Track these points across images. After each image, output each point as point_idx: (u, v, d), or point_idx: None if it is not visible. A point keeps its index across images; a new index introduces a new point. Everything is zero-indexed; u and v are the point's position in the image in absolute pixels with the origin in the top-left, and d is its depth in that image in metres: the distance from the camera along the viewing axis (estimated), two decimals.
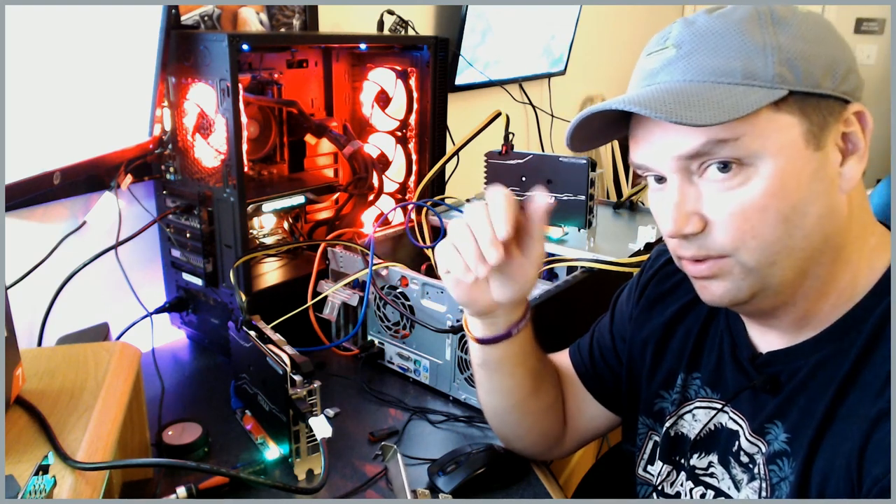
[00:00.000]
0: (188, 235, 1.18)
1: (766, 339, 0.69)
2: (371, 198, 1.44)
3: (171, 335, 1.30)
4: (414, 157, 1.45)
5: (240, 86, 1.05)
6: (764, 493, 0.65)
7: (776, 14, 0.59)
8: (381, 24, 1.66)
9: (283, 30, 1.46)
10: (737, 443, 0.69)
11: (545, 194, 0.73)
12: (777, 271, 0.60)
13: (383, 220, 1.35)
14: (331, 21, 1.58)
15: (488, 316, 0.79)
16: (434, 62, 1.37)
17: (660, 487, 0.77)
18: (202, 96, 1.09)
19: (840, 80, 0.58)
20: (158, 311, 1.22)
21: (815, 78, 0.57)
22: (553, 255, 1.23)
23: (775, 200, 0.58)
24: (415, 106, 1.42)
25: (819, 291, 0.63)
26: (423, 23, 1.89)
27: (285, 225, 1.38)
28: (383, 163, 1.47)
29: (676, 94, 0.57)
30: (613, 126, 0.66)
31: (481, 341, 0.81)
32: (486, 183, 1.32)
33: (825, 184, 0.59)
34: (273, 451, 0.92)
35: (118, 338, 1.15)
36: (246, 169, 1.14)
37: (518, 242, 0.73)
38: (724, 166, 0.58)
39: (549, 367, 0.89)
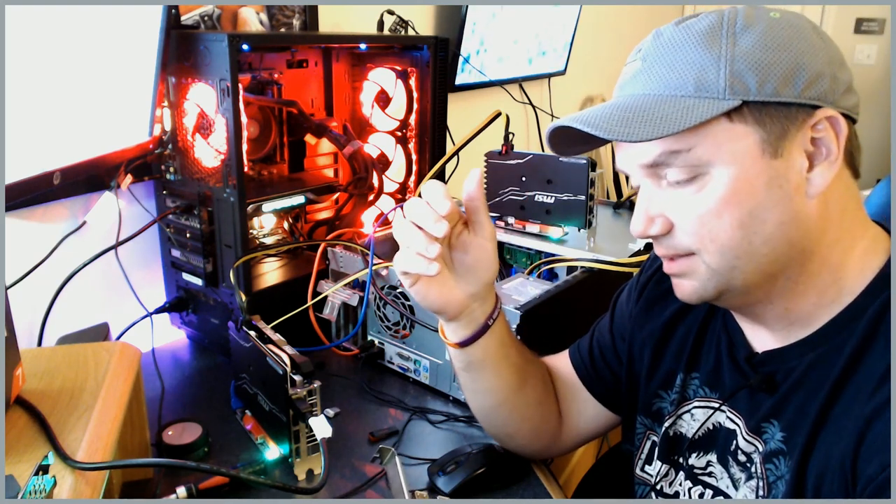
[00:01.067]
0: (188, 235, 1.18)
1: (760, 338, 0.70)
2: (371, 198, 1.44)
3: (171, 335, 1.30)
4: (414, 157, 1.46)
5: (240, 86, 1.05)
6: (761, 492, 0.66)
7: (742, 21, 0.60)
8: (381, 24, 1.67)
9: (283, 30, 1.46)
10: (734, 442, 0.70)
11: (476, 172, 0.75)
12: (739, 274, 0.62)
13: (383, 220, 1.35)
14: (331, 21, 1.58)
15: (463, 315, 0.80)
16: (434, 62, 1.37)
17: (658, 487, 0.77)
18: (202, 96, 1.09)
19: (805, 86, 0.58)
20: (158, 311, 1.22)
21: (771, 87, 0.58)
22: (553, 255, 1.23)
23: (730, 207, 0.60)
24: (415, 106, 1.42)
25: (794, 292, 0.64)
26: (423, 23, 1.89)
27: (285, 225, 1.38)
28: (383, 163, 1.47)
29: (625, 110, 0.60)
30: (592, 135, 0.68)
31: (461, 344, 0.82)
32: (486, 183, 1.32)
33: (785, 190, 0.60)
34: (273, 451, 0.92)
35: (118, 338, 1.15)
36: (246, 169, 1.14)
37: (467, 226, 0.77)
38: (680, 174, 0.61)
39: (533, 362, 0.89)
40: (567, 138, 0.67)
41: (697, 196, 0.61)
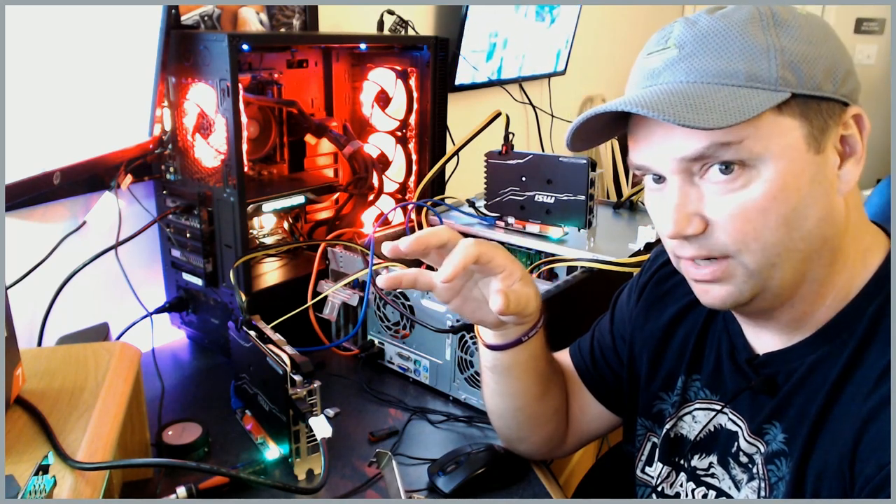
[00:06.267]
0: (188, 235, 1.18)
1: (762, 340, 0.69)
2: (371, 198, 1.44)
3: (171, 335, 1.30)
4: (414, 157, 1.45)
5: (240, 86, 1.05)
6: (763, 493, 0.65)
7: (777, 16, 0.59)
8: (381, 24, 1.66)
9: (283, 30, 1.46)
10: (736, 443, 0.70)
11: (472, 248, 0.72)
12: (777, 273, 0.60)
13: (383, 220, 1.35)
14: (331, 21, 1.58)
15: (499, 328, 0.79)
16: (434, 62, 1.37)
17: (659, 488, 0.77)
18: (202, 96, 1.09)
19: (840, 82, 0.58)
20: (158, 311, 1.22)
21: (816, 80, 0.57)
22: (553, 255, 1.23)
23: (776, 203, 0.58)
24: (415, 106, 1.42)
25: (816, 293, 0.63)
26: (423, 23, 1.89)
27: (285, 225, 1.38)
28: (383, 163, 1.47)
29: (681, 96, 0.57)
30: (612, 125, 0.66)
31: (492, 347, 0.81)
32: (486, 183, 1.32)
33: (824, 186, 0.59)
34: (273, 451, 0.92)
35: (118, 338, 1.15)
36: (246, 169, 1.14)
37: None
38: (726, 168, 0.58)
39: (557, 371, 0.89)
40: (587, 131, 0.65)
41: (742, 191, 0.58)
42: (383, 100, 1.44)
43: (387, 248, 0.71)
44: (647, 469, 0.80)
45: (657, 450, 0.78)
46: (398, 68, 1.41)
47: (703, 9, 0.62)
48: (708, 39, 0.59)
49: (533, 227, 1.29)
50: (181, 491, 0.83)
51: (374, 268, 1.14)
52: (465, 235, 0.75)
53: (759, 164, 0.58)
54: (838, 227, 0.61)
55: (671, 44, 0.60)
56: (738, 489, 0.69)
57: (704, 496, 0.72)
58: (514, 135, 1.30)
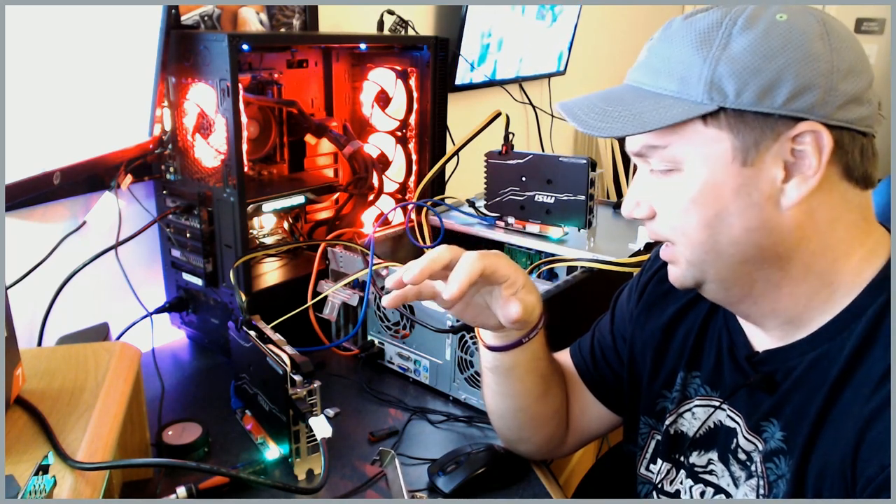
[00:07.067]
0: (188, 235, 1.18)
1: (761, 338, 0.70)
2: (371, 198, 1.44)
3: (171, 335, 1.30)
4: (414, 157, 1.45)
5: (240, 86, 1.05)
6: (762, 491, 0.66)
7: (743, 21, 0.58)
8: (381, 24, 1.66)
9: (283, 30, 1.46)
10: (734, 440, 0.70)
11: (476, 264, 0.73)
12: (710, 269, 0.64)
13: (383, 220, 1.35)
14: (331, 21, 1.58)
15: (500, 331, 0.80)
16: (434, 62, 1.37)
17: (660, 486, 0.77)
18: (202, 96, 1.09)
19: (787, 98, 0.56)
20: (158, 311, 1.22)
21: (749, 96, 0.57)
22: (553, 255, 1.23)
23: (696, 206, 0.62)
24: (415, 106, 1.42)
25: (777, 293, 0.64)
26: (423, 23, 1.89)
27: (285, 225, 1.38)
28: (383, 163, 1.47)
29: (608, 101, 0.63)
30: None
31: (493, 348, 0.81)
32: (486, 183, 1.32)
33: (753, 199, 0.60)
34: (273, 451, 0.92)
35: (118, 338, 1.15)
36: (246, 169, 1.14)
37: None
38: (657, 168, 0.64)
39: (557, 371, 0.89)
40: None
41: (672, 189, 0.63)
42: (383, 100, 1.44)
43: (391, 281, 0.72)
44: (651, 467, 0.80)
45: (659, 447, 0.78)
46: (398, 68, 1.41)
47: (701, 8, 0.62)
48: (664, 44, 0.62)
49: (533, 227, 1.29)
50: (181, 491, 0.83)
51: (374, 268, 1.14)
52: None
53: (684, 168, 0.62)
54: (780, 237, 0.61)
55: (649, 43, 0.65)
56: (737, 486, 0.69)
57: (703, 493, 0.72)
58: (514, 135, 1.30)
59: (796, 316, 0.65)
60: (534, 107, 2.45)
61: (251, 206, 1.19)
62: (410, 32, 1.71)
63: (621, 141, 0.71)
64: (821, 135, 0.57)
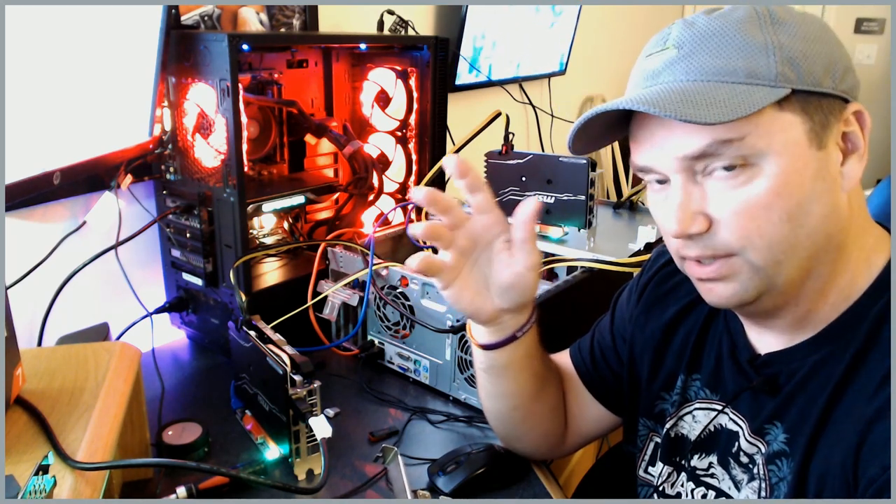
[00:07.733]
0: (188, 235, 1.18)
1: (764, 339, 0.69)
2: (371, 198, 1.44)
3: (171, 335, 1.30)
4: (414, 157, 1.45)
5: (240, 86, 1.05)
6: (763, 493, 0.65)
7: (774, 14, 0.59)
8: (381, 24, 1.67)
9: (283, 30, 1.46)
10: (736, 444, 0.69)
11: (536, 199, 0.74)
12: (783, 270, 0.60)
13: (383, 220, 1.35)
14: (331, 21, 1.58)
15: (494, 323, 0.78)
16: (434, 62, 1.37)
17: (660, 488, 0.77)
18: (202, 96, 1.09)
19: (839, 79, 0.59)
20: (158, 311, 1.22)
21: (816, 76, 0.57)
22: (553, 255, 1.23)
23: (780, 199, 0.58)
24: (415, 106, 1.42)
25: (820, 291, 0.63)
26: (423, 23, 1.89)
27: (285, 225, 1.38)
28: (383, 163, 1.47)
29: (682, 94, 0.57)
30: (614, 128, 0.67)
31: (486, 347, 0.80)
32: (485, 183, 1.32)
33: (828, 183, 0.59)
34: (273, 451, 0.92)
35: (118, 338, 1.15)
36: (246, 169, 1.14)
37: (509, 249, 0.74)
38: (729, 165, 0.58)
39: (552, 369, 0.89)
40: (588, 134, 0.66)
41: (745, 188, 0.58)
42: (383, 100, 1.44)
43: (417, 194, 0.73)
44: (650, 469, 0.80)
45: (659, 450, 0.78)
46: (398, 68, 1.41)
47: (701, 10, 0.62)
48: (706, 38, 0.59)
49: None
50: (181, 491, 0.83)
51: (374, 268, 1.14)
52: None
53: (761, 161, 0.58)
54: (842, 224, 0.61)
55: (670, 45, 0.61)
56: (738, 489, 0.69)
57: (704, 496, 0.72)
58: (514, 135, 1.30)
59: (815, 315, 0.64)
60: (534, 107, 2.45)
61: (251, 206, 1.19)
62: (410, 32, 1.71)
63: (623, 147, 0.69)
64: (863, 114, 0.60)
